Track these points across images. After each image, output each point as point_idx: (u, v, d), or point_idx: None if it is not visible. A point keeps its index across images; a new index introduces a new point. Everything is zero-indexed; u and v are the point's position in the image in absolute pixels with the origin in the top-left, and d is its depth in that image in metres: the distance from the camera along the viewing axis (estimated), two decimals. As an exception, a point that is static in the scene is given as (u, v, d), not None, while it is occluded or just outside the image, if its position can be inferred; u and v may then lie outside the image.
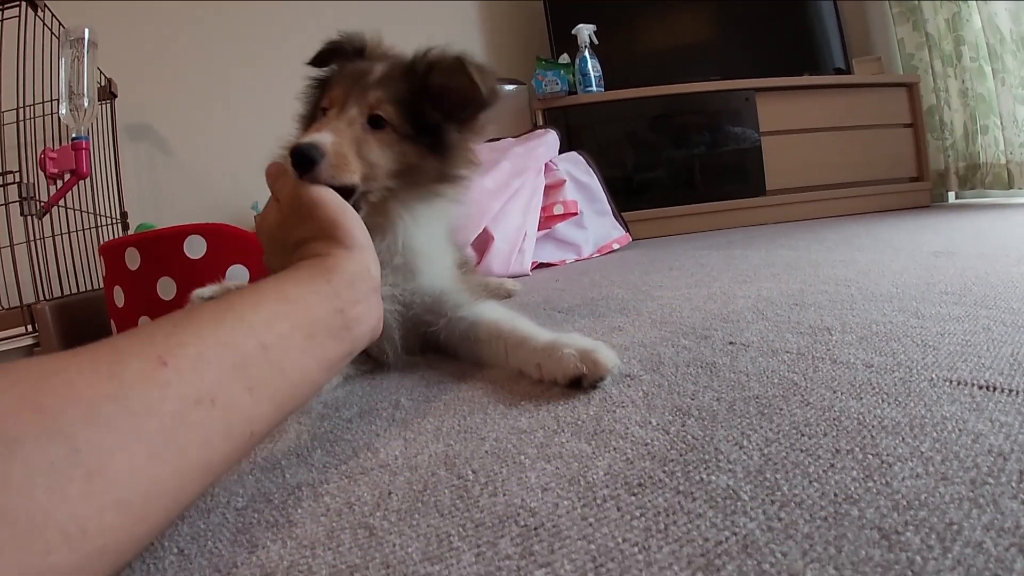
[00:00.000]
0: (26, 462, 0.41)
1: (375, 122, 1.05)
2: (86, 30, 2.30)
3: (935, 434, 0.59)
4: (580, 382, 0.86)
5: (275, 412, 0.64)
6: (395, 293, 1.09)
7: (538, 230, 2.79)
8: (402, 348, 1.12)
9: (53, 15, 2.48)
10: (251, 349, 0.62)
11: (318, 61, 1.21)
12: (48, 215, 2.34)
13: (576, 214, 2.94)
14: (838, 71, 4.30)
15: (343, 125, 1.02)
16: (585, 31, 3.75)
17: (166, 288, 1.77)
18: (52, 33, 2.46)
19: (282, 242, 0.91)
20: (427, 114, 1.10)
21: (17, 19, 2.32)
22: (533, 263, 2.72)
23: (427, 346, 1.15)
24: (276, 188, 0.96)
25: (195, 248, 1.76)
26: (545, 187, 2.89)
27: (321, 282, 0.77)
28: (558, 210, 2.88)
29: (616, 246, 3.15)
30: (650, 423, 0.71)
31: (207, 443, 0.54)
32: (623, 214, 3.28)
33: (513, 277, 2.39)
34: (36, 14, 2.38)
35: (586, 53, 3.79)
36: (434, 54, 1.11)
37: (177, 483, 0.51)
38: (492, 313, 1.09)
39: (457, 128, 1.13)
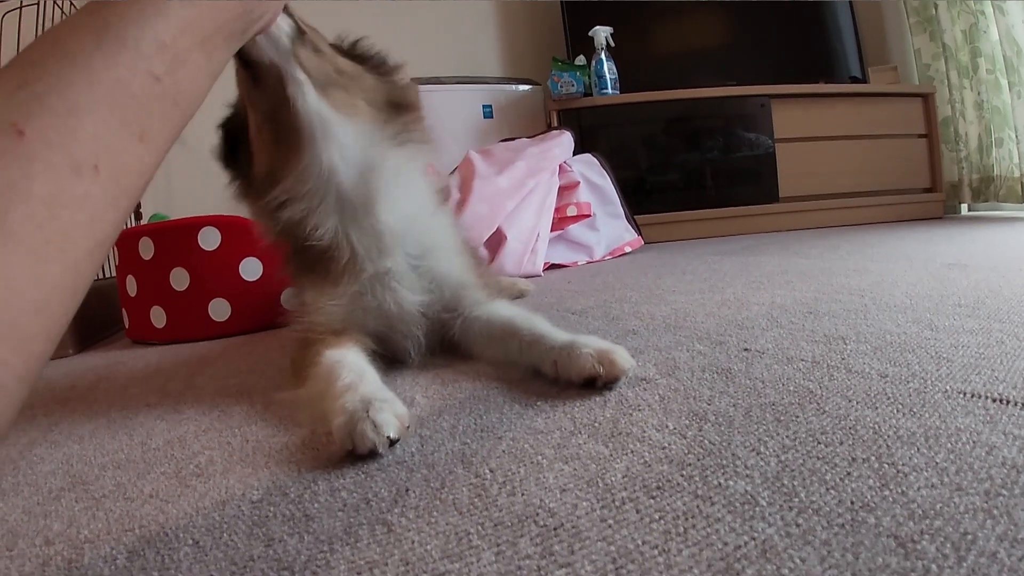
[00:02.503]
0: None
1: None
2: (105, 19, 2.30)
3: (950, 445, 0.59)
4: (594, 382, 0.86)
5: (167, 150, 0.53)
6: (417, 280, 1.10)
7: (551, 231, 2.79)
8: (425, 347, 1.13)
9: (72, 4, 2.49)
10: (140, 85, 0.48)
11: None
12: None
13: (589, 216, 2.94)
14: (854, 79, 4.29)
15: None
16: (602, 33, 3.75)
17: (179, 279, 1.78)
18: (71, 22, 2.47)
19: None
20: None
21: (36, 7, 2.34)
22: (545, 264, 2.72)
23: (444, 345, 1.16)
24: None
25: (209, 240, 1.77)
26: (559, 188, 2.88)
27: None
28: (571, 211, 2.88)
29: (628, 249, 3.15)
30: (667, 427, 0.71)
31: (97, 219, 0.45)
32: (636, 217, 3.27)
33: (525, 277, 2.39)
34: (55, 3, 2.39)
35: (602, 55, 3.78)
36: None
37: (72, 278, 0.43)
38: (507, 311, 1.10)
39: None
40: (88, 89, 0.44)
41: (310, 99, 0.99)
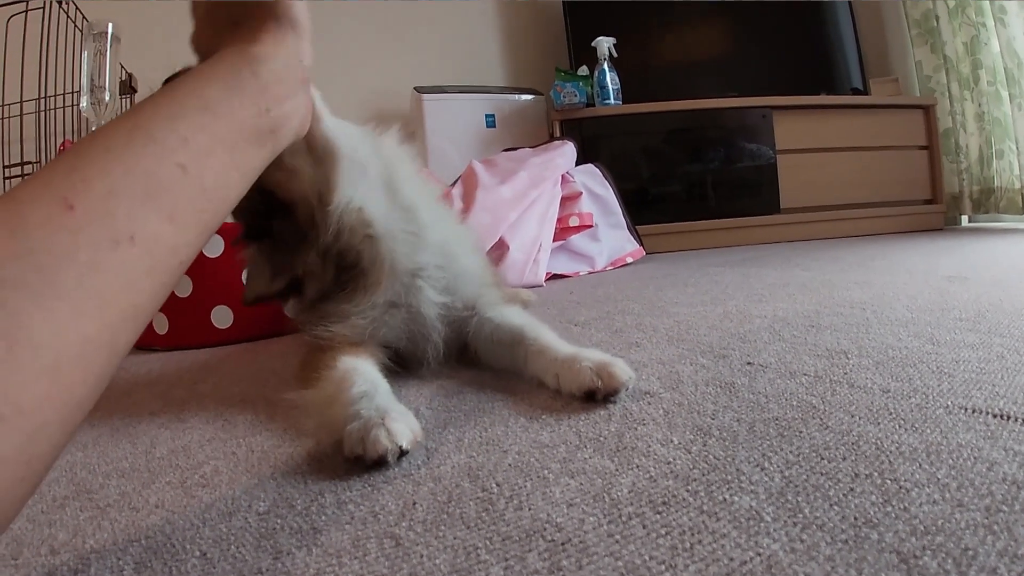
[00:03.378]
0: None
1: None
2: (109, 25, 2.32)
3: (951, 461, 0.60)
4: (594, 395, 0.87)
5: (201, 235, 0.60)
6: (438, 277, 1.11)
7: (553, 241, 2.79)
8: (443, 354, 1.13)
9: (77, 8, 2.50)
10: (167, 173, 0.56)
11: None
12: (65, 207, 2.36)
13: (591, 226, 2.94)
14: (855, 91, 4.31)
15: None
16: (605, 44, 3.76)
17: (182, 285, 1.78)
18: (76, 26, 2.48)
19: (222, 16, 0.78)
20: None
21: (42, 11, 2.35)
22: (547, 274, 2.72)
23: (460, 349, 1.17)
24: None
25: (212, 246, 1.77)
26: (561, 199, 2.89)
27: (247, 76, 0.69)
28: (574, 222, 2.88)
29: (630, 259, 3.15)
30: (672, 441, 0.71)
31: (132, 286, 0.51)
32: (637, 227, 3.28)
33: (527, 287, 2.39)
34: (60, 7, 2.40)
35: (605, 66, 3.79)
36: None
37: (108, 336, 0.48)
38: (517, 319, 1.10)
39: None
40: (124, 176, 0.52)
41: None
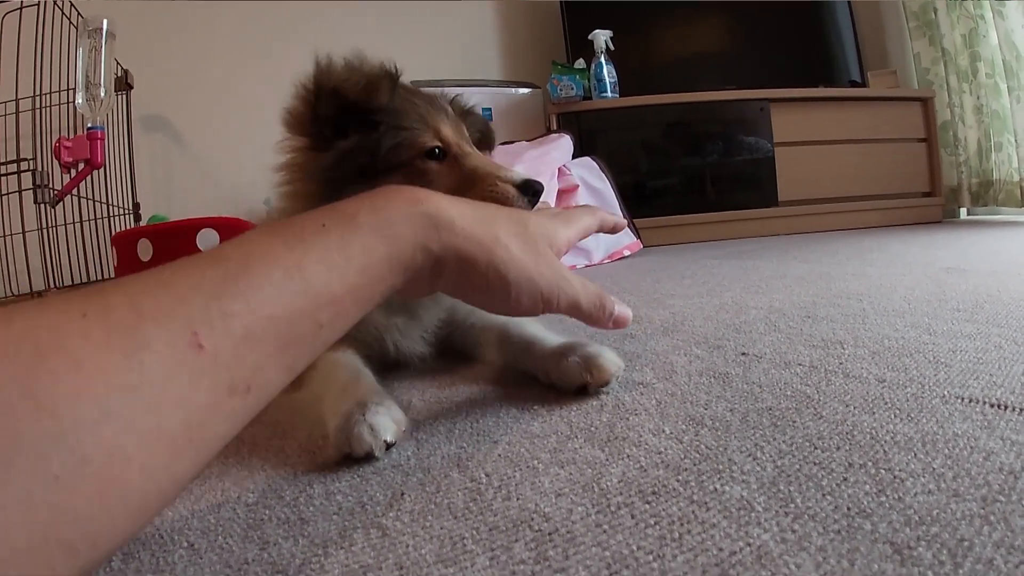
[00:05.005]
0: (25, 475, 0.35)
1: None
2: (104, 21, 2.31)
3: (947, 451, 0.59)
4: (586, 388, 0.86)
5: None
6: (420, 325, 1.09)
7: (549, 234, 2.77)
8: (429, 355, 1.12)
9: (72, 5, 2.49)
10: (305, 328, 0.52)
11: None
12: (61, 203, 2.36)
13: (588, 219, 2.93)
14: (853, 84, 4.30)
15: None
16: (602, 37, 3.75)
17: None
18: (71, 23, 2.48)
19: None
20: None
21: (36, 7, 2.34)
22: (543, 267, 2.69)
23: (445, 349, 1.16)
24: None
25: (208, 242, 1.77)
26: (558, 192, 2.88)
27: (420, 261, 0.64)
28: (570, 215, 2.87)
29: (627, 253, 3.14)
30: (663, 431, 0.71)
31: (232, 431, 0.48)
32: (635, 220, 3.27)
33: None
34: (55, 4, 2.40)
35: (602, 59, 3.79)
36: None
37: (192, 475, 0.46)
38: (497, 317, 1.08)
39: None
40: (266, 322, 0.49)
41: None
